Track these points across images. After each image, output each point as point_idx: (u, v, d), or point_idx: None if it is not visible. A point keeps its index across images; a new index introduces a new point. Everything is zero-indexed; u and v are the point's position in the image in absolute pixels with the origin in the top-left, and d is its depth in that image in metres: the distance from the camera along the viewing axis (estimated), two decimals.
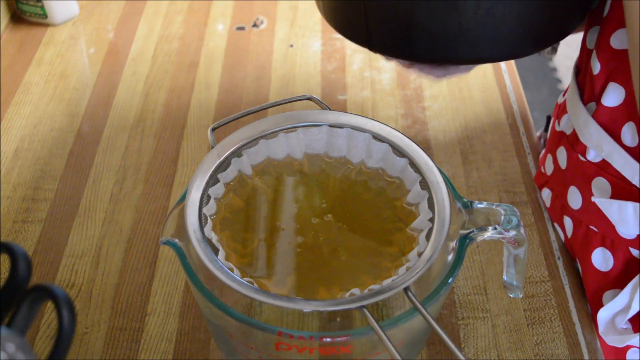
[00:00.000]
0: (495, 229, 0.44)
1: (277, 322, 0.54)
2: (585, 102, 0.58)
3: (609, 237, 0.58)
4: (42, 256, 0.63)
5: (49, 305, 0.59)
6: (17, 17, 0.93)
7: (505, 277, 0.50)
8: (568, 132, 0.61)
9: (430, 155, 0.48)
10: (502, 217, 0.44)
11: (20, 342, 0.30)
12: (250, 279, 0.41)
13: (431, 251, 0.42)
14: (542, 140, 0.77)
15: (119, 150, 0.74)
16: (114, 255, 0.63)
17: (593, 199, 0.57)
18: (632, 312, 0.56)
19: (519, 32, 0.48)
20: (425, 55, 0.51)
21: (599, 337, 0.60)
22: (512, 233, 0.44)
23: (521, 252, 0.46)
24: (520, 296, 0.51)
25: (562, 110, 0.64)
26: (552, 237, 0.65)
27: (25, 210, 0.68)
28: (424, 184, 0.46)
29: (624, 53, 0.52)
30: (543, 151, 0.71)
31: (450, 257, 0.44)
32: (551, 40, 0.51)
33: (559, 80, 2.04)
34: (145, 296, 0.60)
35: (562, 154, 0.62)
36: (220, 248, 0.43)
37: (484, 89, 0.82)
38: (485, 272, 0.62)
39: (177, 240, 0.44)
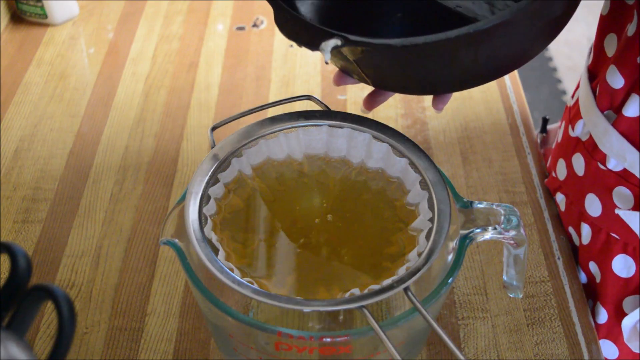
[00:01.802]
0: (495, 229, 0.44)
1: (277, 322, 0.54)
2: (602, 110, 0.57)
3: (631, 244, 0.58)
4: (42, 256, 0.63)
5: (49, 305, 0.59)
6: (17, 17, 0.93)
7: (505, 277, 0.50)
8: (584, 138, 0.60)
9: (430, 155, 0.48)
10: (502, 217, 0.44)
11: (20, 342, 0.30)
12: (250, 279, 0.41)
13: (431, 251, 0.42)
14: (538, 142, 0.76)
15: (119, 150, 0.74)
16: (114, 255, 0.63)
17: (617, 211, 0.57)
18: None
19: (520, 54, 0.48)
20: (429, 93, 0.53)
21: (623, 343, 0.60)
22: (512, 233, 0.44)
23: (521, 252, 0.46)
24: (520, 296, 0.51)
25: (575, 115, 0.62)
26: (552, 237, 0.65)
27: (25, 210, 0.68)
28: (424, 184, 0.46)
29: None
30: (551, 156, 0.70)
31: (450, 257, 0.44)
32: (550, 40, 0.51)
33: (559, 80, 2.04)
34: (145, 296, 0.60)
35: (578, 161, 0.61)
36: (220, 248, 0.43)
37: (484, 89, 0.81)
38: (485, 272, 0.62)
39: (177, 240, 0.44)
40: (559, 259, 0.64)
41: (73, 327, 0.29)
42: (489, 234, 0.44)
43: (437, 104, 0.52)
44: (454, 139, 0.75)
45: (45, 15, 0.90)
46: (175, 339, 0.57)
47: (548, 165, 0.71)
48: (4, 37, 0.90)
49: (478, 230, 0.44)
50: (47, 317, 0.59)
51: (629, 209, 0.56)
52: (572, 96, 0.66)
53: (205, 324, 0.58)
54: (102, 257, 0.63)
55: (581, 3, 0.46)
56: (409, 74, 0.47)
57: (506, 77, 0.84)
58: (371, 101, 0.54)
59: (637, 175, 0.54)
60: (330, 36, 0.42)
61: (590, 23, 2.07)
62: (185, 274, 0.43)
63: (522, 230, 0.44)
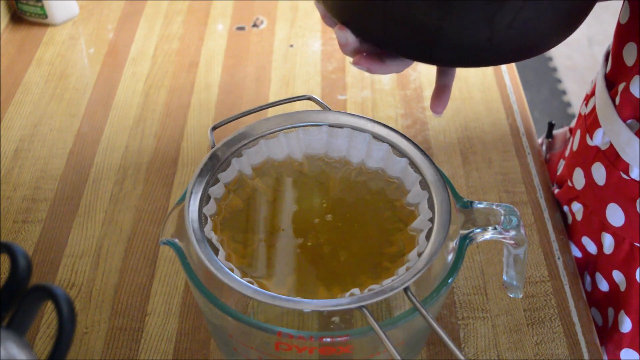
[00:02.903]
0: (495, 229, 0.44)
1: (277, 322, 0.54)
2: (624, 119, 0.56)
3: None
4: (42, 256, 0.63)
5: (49, 305, 0.59)
6: (17, 17, 0.93)
7: (505, 277, 0.50)
8: (604, 147, 0.59)
9: (430, 155, 0.48)
10: (502, 217, 0.44)
11: (20, 342, 0.30)
12: (251, 279, 0.41)
13: (431, 251, 0.42)
14: (543, 147, 0.76)
15: (119, 150, 0.74)
16: (114, 255, 0.63)
17: None
18: None
19: (548, 35, 0.46)
20: (444, 62, 0.48)
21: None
22: (512, 233, 0.44)
23: (521, 252, 0.46)
24: (520, 296, 0.51)
25: (592, 123, 0.61)
26: (552, 236, 0.65)
27: (25, 210, 0.68)
28: (424, 184, 0.46)
29: None
30: (564, 165, 0.69)
31: (450, 257, 0.44)
32: (574, 29, 0.49)
33: (559, 80, 2.04)
34: (145, 296, 0.60)
35: (599, 170, 0.60)
36: (220, 248, 0.43)
37: (484, 89, 0.82)
38: (485, 272, 0.62)
39: (177, 240, 0.44)
40: (559, 259, 0.64)
41: (73, 327, 0.29)
42: (489, 234, 0.44)
43: (437, 107, 0.50)
44: (454, 139, 0.75)
45: (45, 15, 0.90)
46: (175, 339, 0.57)
47: (559, 173, 0.70)
48: (4, 37, 0.90)
49: (478, 230, 0.44)
50: (47, 317, 0.59)
51: None
52: (586, 104, 0.65)
53: (205, 324, 0.58)
54: (102, 257, 0.63)
55: None
56: (441, 25, 0.42)
57: (506, 77, 0.84)
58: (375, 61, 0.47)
59: None
60: None
61: (591, 23, 2.07)
62: (185, 274, 0.43)
63: (522, 230, 0.44)
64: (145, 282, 0.61)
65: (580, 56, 2.08)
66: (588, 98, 0.65)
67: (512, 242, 0.45)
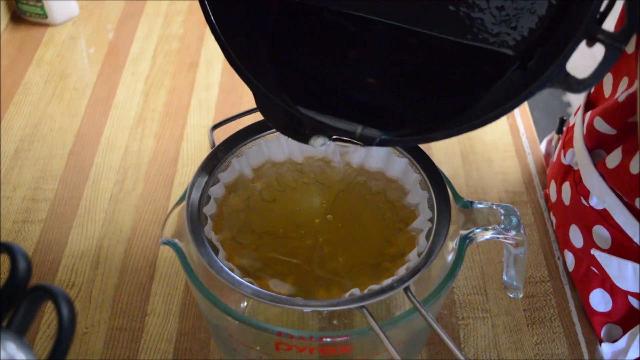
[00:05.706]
0: (495, 229, 0.44)
1: (277, 322, 0.54)
2: (588, 147, 0.56)
3: (608, 281, 0.57)
4: (42, 256, 0.63)
5: (49, 305, 0.59)
6: (17, 17, 0.92)
7: (505, 277, 0.50)
8: (575, 168, 0.59)
9: (430, 155, 0.48)
10: (502, 217, 0.44)
11: (20, 342, 0.30)
12: (250, 279, 0.41)
13: (431, 251, 0.42)
14: (552, 143, 0.76)
15: (119, 150, 0.74)
16: (114, 255, 0.63)
17: (592, 251, 0.56)
18: (630, 358, 0.55)
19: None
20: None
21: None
22: (512, 233, 0.44)
23: (521, 252, 0.46)
24: (520, 296, 0.51)
25: (568, 140, 0.61)
26: (552, 237, 0.65)
27: (25, 210, 0.68)
28: (424, 184, 0.46)
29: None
30: (548, 171, 0.69)
31: (450, 257, 0.44)
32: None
33: None
34: (145, 296, 0.60)
35: (566, 190, 0.60)
36: (220, 248, 0.43)
37: None
38: (485, 272, 0.62)
39: (177, 240, 0.44)
40: (558, 259, 0.64)
41: (73, 327, 0.29)
42: (489, 234, 0.44)
43: None
44: (454, 139, 0.75)
45: (45, 15, 0.90)
46: (175, 339, 0.57)
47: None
48: (4, 37, 0.90)
49: (478, 230, 0.44)
50: (47, 317, 0.59)
51: (606, 250, 0.55)
52: (575, 113, 0.64)
53: (205, 324, 0.58)
54: (102, 257, 0.63)
55: None
56: None
57: None
58: None
59: (615, 219, 0.53)
60: (319, 131, 0.41)
61: None
62: (185, 274, 0.43)
63: (522, 230, 0.44)
64: (145, 282, 0.61)
65: (580, 56, 2.07)
66: (577, 110, 0.64)
67: (512, 242, 0.45)
